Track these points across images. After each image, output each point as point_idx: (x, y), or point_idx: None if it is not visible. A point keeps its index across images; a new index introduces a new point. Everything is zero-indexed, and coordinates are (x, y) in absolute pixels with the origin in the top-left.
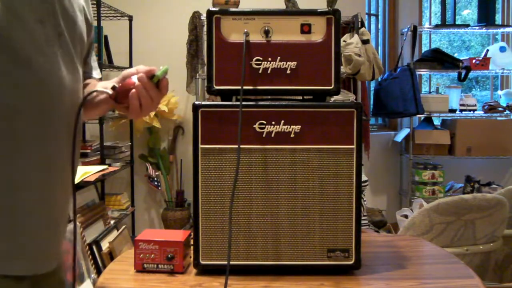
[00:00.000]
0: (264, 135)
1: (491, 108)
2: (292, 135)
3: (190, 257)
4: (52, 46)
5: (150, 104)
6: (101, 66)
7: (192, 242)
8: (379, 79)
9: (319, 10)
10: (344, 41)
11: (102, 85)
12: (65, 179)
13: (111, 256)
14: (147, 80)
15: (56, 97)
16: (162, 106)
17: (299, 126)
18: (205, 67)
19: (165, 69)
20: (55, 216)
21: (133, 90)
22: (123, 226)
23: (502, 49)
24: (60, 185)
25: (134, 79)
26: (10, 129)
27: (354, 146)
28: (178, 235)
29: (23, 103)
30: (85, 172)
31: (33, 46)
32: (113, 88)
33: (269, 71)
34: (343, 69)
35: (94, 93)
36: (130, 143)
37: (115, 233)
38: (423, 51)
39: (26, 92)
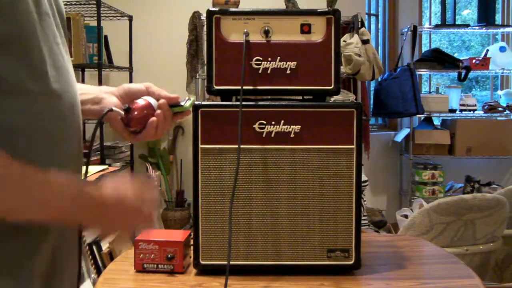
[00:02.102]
0: (264, 135)
1: (491, 108)
2: (292, 135)
3: (190, 257)
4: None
5: (162, 133)
6: (101, 66)
7: (192, 242)
8: (379, 79)
9: (319, 10)
10: (344, 41)
11: (107, 98)
12: None
13: (111, 256)
14: (168, 108)
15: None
16: None
17: (299, 126)
18: (205, 67)
19: (193, 101)
20: None
21: (154, 119)
22: None
23: (502, 49)
24: None
25: (151, 101)
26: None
27: (354, 146)
28: (178, 235)
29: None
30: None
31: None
32: (127, 110)
33: (269, 71)
34: (343, 69)
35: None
36: (130, 143)
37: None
38: (423, 51)
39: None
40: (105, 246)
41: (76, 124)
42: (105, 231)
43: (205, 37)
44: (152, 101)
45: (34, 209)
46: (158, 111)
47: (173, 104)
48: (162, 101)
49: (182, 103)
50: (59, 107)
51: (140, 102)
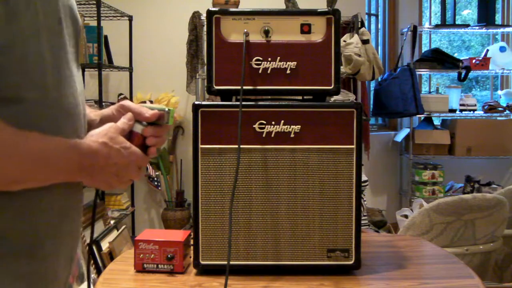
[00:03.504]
0: (264, 135)
1: (491, 108)
2: (292, 135)
3: (190, 257)
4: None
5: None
6: (101, 66)
7: (192, 242)
8: (379, 79)
9: (319, 10)
10: (344, 41)
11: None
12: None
13: (111, 256)
14: (153, 128)
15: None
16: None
17: (299, 126)
18: (205, 67)
19: (173, 111)
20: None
21: (153, 150)
22: (123, 226)
23: (502, 49)
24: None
25: (135, 130)
26: None
27: (354, 146)
28: (178, 235)
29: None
30: None
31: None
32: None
33: (269, 71)
34: (343, 69)
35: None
36: None
37: (115, 233)
38: (423, 51)
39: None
40: (105, 246)
41: (75, 133)
42: (102, 184)
43: (205, 37)
44: (136, 128)
45: (43, 173)
46: (150, 139)
47: (156, 121)
48: (148, 128)
49: (165, 120)
50: (56, 116)
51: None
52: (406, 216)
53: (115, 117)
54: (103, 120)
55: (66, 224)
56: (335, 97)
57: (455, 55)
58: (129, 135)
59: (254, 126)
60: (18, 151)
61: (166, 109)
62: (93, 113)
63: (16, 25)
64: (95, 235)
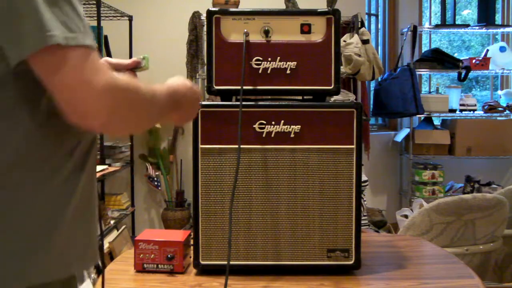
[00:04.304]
0: (264, 135)
1: (491, 108)
2: (292, 135)
3: (190, 257)
4: None
5: None
6: None
7: (192, 242)
8: (379, 79)
9: (319, 10)
10: (344, 41)
11: None
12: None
13: (111, 256)
14: (133, 74)
15: None
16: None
17: (299, 126)
18: (205, 67)
19: (147, 58)
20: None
21: None
22: (123, 226)
23: (502, 49)
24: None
25: None
26: (93, 155)
27: (354, 146)
28: (178, 235)
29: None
30: None
31: None
32: None
33: (269, 71)
34: (343, 69)
35: None
36: (130, 143)
37: (115, 233)
38: (423, 51)
39: None
40: (105, 246)
41: None
42: (185, 116)
43: (205, 37)
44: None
45: (160, 115)
46: None
47: (135, 67)
48: (128, 72)
49: (142, 64)
50: None
51: None
52: (406, 216)
53: None
54: None
55: (94, 198)
56: (335, 97)
57: (455, 55)
58: None
59: (254, 126)
60: (153, 104)
61: (142, 56)
62: None
63: None
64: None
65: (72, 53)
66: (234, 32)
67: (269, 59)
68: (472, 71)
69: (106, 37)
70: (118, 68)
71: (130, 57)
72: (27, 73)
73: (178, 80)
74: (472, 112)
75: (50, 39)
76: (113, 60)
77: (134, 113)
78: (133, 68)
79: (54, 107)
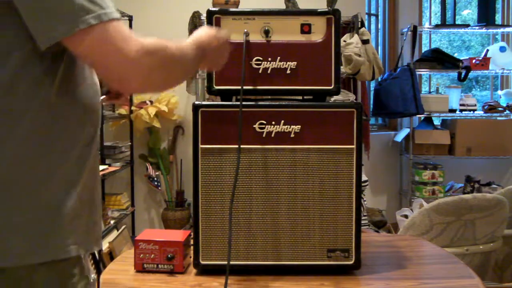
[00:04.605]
0: (264, 135)
1: (491, 108)
2: (292, 135)
3: (190, 257)
4: None
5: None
6: None
7: (192, 242)
8: (379, 79)
9: (319, 10)
10: (344, 41)
11: None
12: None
13: (111, 256)
14: None
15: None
16: (162, 106)
17: (299, 126)
18: None
19: None
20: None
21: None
22: (123, 226)
23: (502, 49)
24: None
25: None
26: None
27: (354, 146)
28: (178, 235)
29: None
30: None
31: None
32: (107, 93)
33: (269, 71)
34: (343, 69)
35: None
36: (130, 143)
37: (115, 233)
38: (423, 51)
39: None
40: (105, 246)
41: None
42: (214, 63)
43: None
44: None
45: (190, 67)
46: None
47: None
48: None
49: None
50: (96, 92)
51: None
52: (406, 216)
53: None
54: None
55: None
56: (335, 97)
57: (455, 55)
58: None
59: (254, 126)
60: (183, 59)
61: None
62: None
63: None
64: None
65: (104, 28)
66: (234, 32)
67: (269, 59)
68: (472, 71)
69: None
70: None
71: None
72: (52, 53)
73: (202, 31)
74: (472, 112)
75: (83, 23)
76: None
77: (167, 70)
78: None
79: (67, 84)
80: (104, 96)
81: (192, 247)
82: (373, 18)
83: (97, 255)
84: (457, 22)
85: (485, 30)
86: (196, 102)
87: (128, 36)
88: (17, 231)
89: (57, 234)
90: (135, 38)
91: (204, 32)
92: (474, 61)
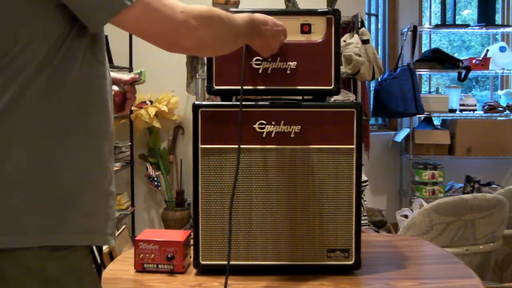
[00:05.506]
0: (264, 135)
1: (491, 108)
2: (292, 135)
3: (190, 257)
4: None
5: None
6: None
7: (192, 242)
8: (379, 79)
9: (319, 10)
10: (344, 41)
11: None
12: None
13: (111, 256)
14: (133, 87)
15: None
16: (162, 106)
17: (299, 126)
18: (205, 67)
19: (144, 71)
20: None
21: (129, 100)
22: (123, 226)
23: (502, 49)
24: None
25: (116, 88)
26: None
27: (354, 146)
28: (178, 235)
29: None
30: None
31: None
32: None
33: (269, 71)
34: (343, 69)
35: None
36: (130, 143)
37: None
38: (423, 51)
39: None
40: (105, 246)
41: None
42: (267, 45)
43: None
44: (117, 88)
45: (241, 36)
46: (129, 94)
47: (133, 82)
48: (127, 86)
49: (139, 79)
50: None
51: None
52: (406, 216)
53: None
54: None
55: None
56: (335, 97)
57: (455, 55)
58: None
59: (254, 126)
60: (232, 25)
61: (139, 71)
62: None
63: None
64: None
65: (147, 1)
66: None
67: (269, 59)
68: (472, 71)
69: (106, 37)
70: (117, 82)
71: (130, 56)
72: (84, 32)
73: (259, 15)
74: (472, 112)
75: (128, 2)
76: (114, 74)
77: (215, 30)
78: (132, 83)
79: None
80: None
81: (192, 247)
82: (373, 18)
83: (97, 255)
84: (457, 22)
85: (485, 30)
86: (196, 102)
87: (172, 3)
88: (33, 213)
89: (72, 220)
90: (179, 4)
91: (261, 15)
92: (474, 61)
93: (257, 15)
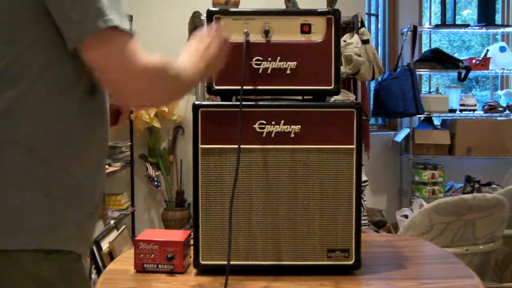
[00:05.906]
0: (264, 135)
1: (491, 108)
2: (292, 135)
3: (190, 257)
4: None
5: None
6: None
7: (192, 242)
8: (379, 79)
9: (319, 10)
10: (344, 41)
11: None
12: None
13: (111, 256)
14: None
15: None
16: (162, 106)
17: (299, 126)
18: None
19: None
20: None
21: (122, 116)
22: (123, 226)
23: (502, 49)
24: None
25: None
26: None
27: (354, 146)
28: (178, 235)
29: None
30: None
31: None
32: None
33: (269, 71)
34: (343, 69)
35: None
36: (130, 143)
37: (115, 233)
38: (423, 51)
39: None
40: (105, 246)
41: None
42: (215, 67)
43: None
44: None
45: (192, 83)
46: (123, 108)
47: None
48: None
49: None
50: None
51: None
52: (406, 216)
53: None
54: None
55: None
56: (335, 97)
57: (455, 55)
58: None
59: (254, 126)
60: (186, 80)
61: None
62: None
63: None
64: (95, 235)
65: (121, 37)
66: (234, 32)
67: (269, 59)
68: (472, 71)
69: None
70: None
71: None
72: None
73: (200, 40)
74: (472, 112)
75: (110, 22)
76: None
77: (168, 88)
78: None
79: (92, 83)
80: None
81: (192, 247)
82: (373, 18)
83: (97, 255)
84: (457, 22)
85: (485, 30)
86: (196, 102)
87: (138, 52)
88: (31, 214)
89: (64, 227)
90: (143, 54)
91: (203, 41)
92: (474, 61)
93: (202, 48)
